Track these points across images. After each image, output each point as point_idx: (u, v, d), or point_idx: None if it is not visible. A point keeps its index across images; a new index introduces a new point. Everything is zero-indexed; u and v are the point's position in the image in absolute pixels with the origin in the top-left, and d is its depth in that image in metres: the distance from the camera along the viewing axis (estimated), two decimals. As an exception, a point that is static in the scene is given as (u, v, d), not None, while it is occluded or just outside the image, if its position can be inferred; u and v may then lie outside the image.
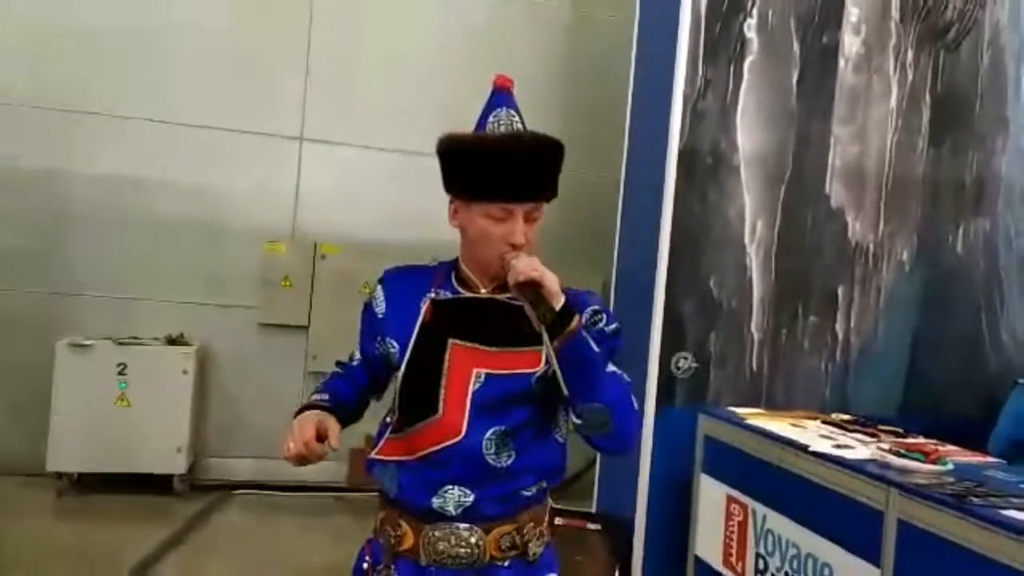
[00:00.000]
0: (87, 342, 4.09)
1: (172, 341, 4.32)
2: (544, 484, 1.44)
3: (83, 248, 4.36)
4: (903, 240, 3.10)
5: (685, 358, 2.87)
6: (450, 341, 1.40)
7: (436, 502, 1.35)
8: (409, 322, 1.43)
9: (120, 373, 4.11)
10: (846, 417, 2.47)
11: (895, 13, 3.08)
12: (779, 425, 2.29)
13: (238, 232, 4.51)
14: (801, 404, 2.95)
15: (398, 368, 1.43)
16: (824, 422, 2.40)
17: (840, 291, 3.03)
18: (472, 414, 1.36)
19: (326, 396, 1.48)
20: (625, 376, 1.36)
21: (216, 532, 3.89)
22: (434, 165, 1.45)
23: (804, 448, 2.00)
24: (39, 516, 3.86)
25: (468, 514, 1.36)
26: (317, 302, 4.59)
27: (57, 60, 4.28)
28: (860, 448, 1.98)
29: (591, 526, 2.95)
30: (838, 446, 2.01)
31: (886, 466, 1.83)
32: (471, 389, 1.37)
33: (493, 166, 1.36)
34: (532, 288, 1.26)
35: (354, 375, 1.55)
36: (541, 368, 1.38)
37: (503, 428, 1.36)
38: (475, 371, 1.38)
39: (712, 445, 2.48)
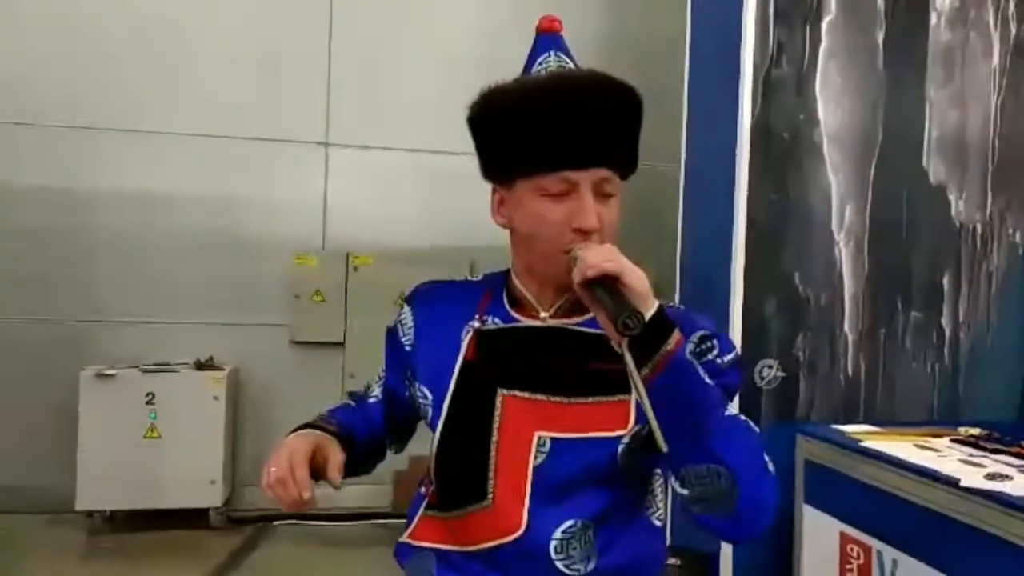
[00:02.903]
0: (112, 371, 3.85)
1: (201, 365, 4.06)
2: None
3: (104, 270, 4.12)
4: (1015, 218, 2.68)
5: (770, 366, 2.50)
6: (500, 392, 1.01)
7: None
8: (446, 362, 1.05)
9: (148, 403, 3.86)
10: (976, 431, 2.08)
11: (992, -43, 2.67)
12: (902, 447, 1.92)
13: (265, 246, 4.24)
14: (905, 413, 2.57)
15: (431, 427, 1.05)
16: (954, 440, 2.01)
17: (945, 280, 2.63)
18: (535, 500, 0.98)
19: (332, 421, 1.12)
20: (751, 424, 0.95)
21: (257, 568, 3.62)
22: (469, 165, 1.09)
23: (953, 483, 1.63)
24: (71, 558, 3.62)
25: None
26: (352, 316, 4.29)
27: (70, 77, 4.05)
28: (1021, 478, 1.60)
29: (669, 561, 2.60)
30: (991, 476, 1.63)
31: (1068, 506, 1.46)
32: (532, 463, 0.99)
33: (538, 118, 0.96)
34: (607, 287, 0.87)
35: (369, 414, 1.18)
36: (631, 428, 0.98)
37: (579, 522, 0.98)
38: (537, 435, 0.99)
39: (816, 471, 2.11)
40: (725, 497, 0.89)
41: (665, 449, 0.89)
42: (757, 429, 0.96)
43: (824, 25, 2.53)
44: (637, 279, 0.88)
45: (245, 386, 4.27)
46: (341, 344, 4.30)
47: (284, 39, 4.26)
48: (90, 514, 3.85)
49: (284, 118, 4.28)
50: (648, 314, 0.86)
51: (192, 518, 3.92)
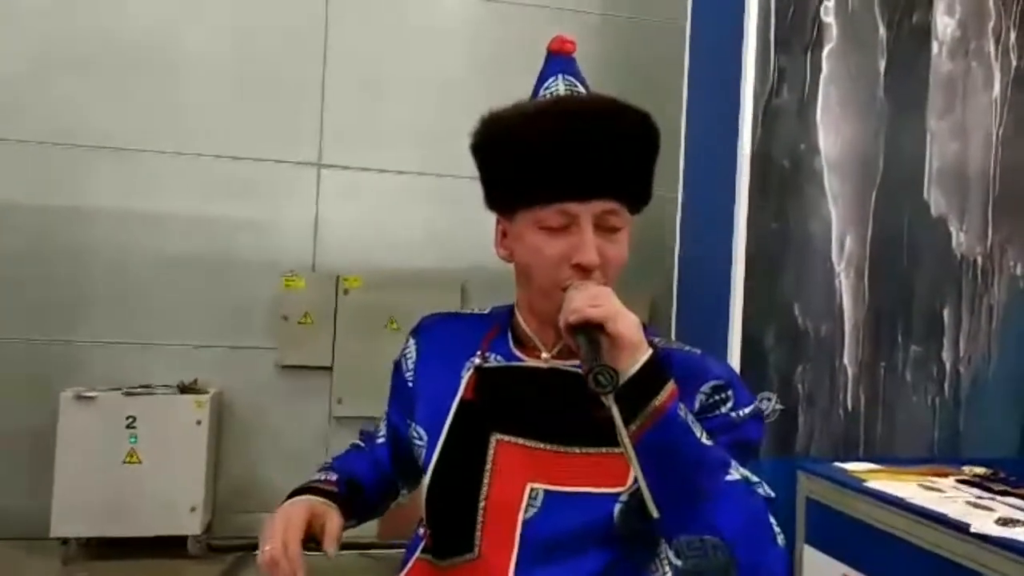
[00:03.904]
0: (92, 393, 3.75)
1: (185, 389, 3.96)
2: None
3: (87, 289, 4.04)
4: (1016, 251, 2.65)
5: (768, 399, 2.44)
6: (494, 436, 0.94)
7: None
8: (444, 401, 0.99)
9: (129, 426, 3.76)
10: (982, 471, 2.03)
11: (992, -12, 2.66)
12: (905, 487, 1.86)
13: (253, 267, 4.16)
14: (905, 448, 2.51)
15: (423, 470, 0.99)
16: (959, 480, 1.96)
17: (946, 313, 2.59)
18: (523, 557, 0.90)
19: (333, 476, 1.06)
20: (763, 487, 0.87)
21: (236, 600, 3.52)
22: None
23: (963, 528, 1.56)
24: (44, 586, 3.52)
25: None
26: (341, 340, 4.21)
27: (57, 94, 3.99)
28: (1034, 524, 1.55)
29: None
30: (1003, 522, 1.57)
31: (1087, 556, 1.40)
32: (521, 516, 0.90)
33: (533, 146, 0.90)
34: (588, 334, 0.81)
35: (378, 456, 1.12)
36: (629, 485, 0.89)
37: None
38: (529, 487, 0.91)
39: (818, 510, 2.04)
40: (721, 572, 0.82)
41: (655, 514, 0.82)
42: (772, 493, 0.88)
43: (825, 53, 2.51)
44: (626, 327, 0.81)
45: (229, 410, 4.17)
46: (329, 368, 4.22)
47: (278, 60, 4.22)
48: (65, 541, 3.72)
49: (277, 138, 4.23)
50: (634, 367, 0.80)
51: (171, 546, 3.80)
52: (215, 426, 4.00)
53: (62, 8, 4.00)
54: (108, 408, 3.75)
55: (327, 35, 4.30)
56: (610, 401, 0.79)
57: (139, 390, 3.87)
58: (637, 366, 0.81)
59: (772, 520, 0.86)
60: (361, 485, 1.08)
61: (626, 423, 0.80)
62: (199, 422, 3.85)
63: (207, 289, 4.12)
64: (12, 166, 3.96)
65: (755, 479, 0.87)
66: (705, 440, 0.83)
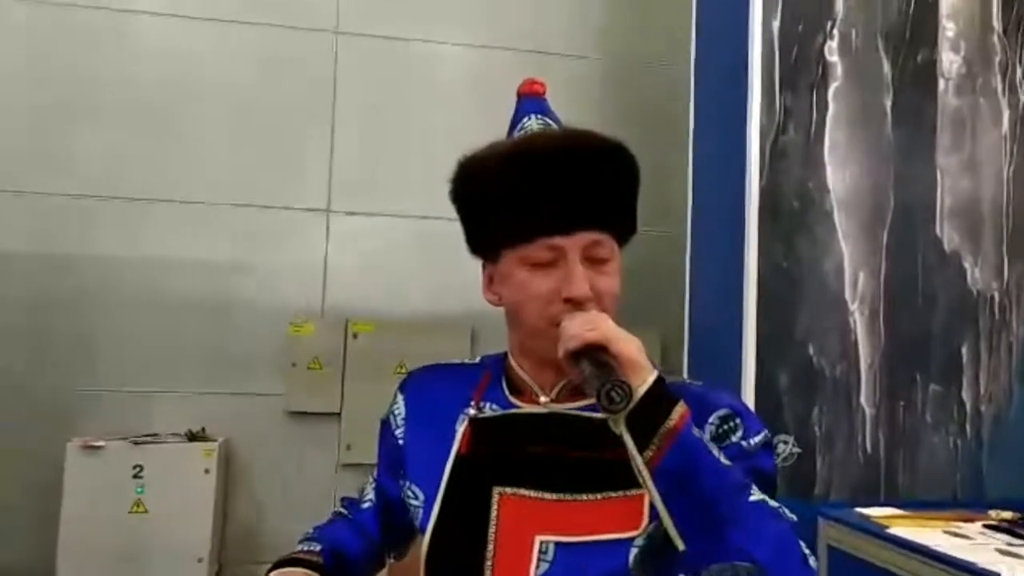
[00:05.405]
0: (100, 443, 3.71)
1: (193, 437, 3.92)
2: None
3: (93, 338, 4.02)
4: (1034, 286, 2.61)
5: (785, 442, 2.38)
6: (496, 490, 0.90)
7: None
8: (438, 457, 0.95)
9: (136, 476, 3.71)
10: (1008, 515, 1.96)
11: (997, 24, 2.66)
12: (931, 533, 1.79)
13: (261, 313, 4.14)
14: (927, 490, 2.45)
15: (420, 532, 0.95)
16: (986, 525, 1.89)
17: (964, 350, 2.53)
18: None
19: (317, 547, 1.02)
20: (784, 511, 0.83)
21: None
22: None
23: (995, 578, 1.50)
24: (48, 642, 3.44)
25: None
26: (350, 386, 4.16)
27: (61, 143, 4.03)
28: (1069, 572, 1.49)
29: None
30: (1037, 571, 1.51)
31: None
32: (533, 573, 0.86)
33: (512, 183, 0.90)
34: (593, 358, 0.78)
35: (363, 522, 1.09)
36: (645, 528, 0.86)
37: None
38: (538, 540, 0.87)
39: (841, 559, 1.97)
40: None
41: (681, 547, 0.79)
42: (793, 516, 0.85)
43: (831, 91, 2.50)
44: (627, 347, 0.79)
45: (237, 458, 4.12)
46: (338, 414, 4.17)
47: (287, 105, 4.26)
48: (71, 595, 3.67)
49: (285, 185, 4.24)
50: (642, 387, 0.77)
51: (178, 599, 3.74)
52: (223, 474, 3.95)
53: (64, 59, 4.06)
54: (115, 458, 3.71)
55: (336, 81, 4.34)
56: (621, 426, 0.76)
57: (147, 439, 3.83)
58: (645, 387, 0.77)
59: (800, 542, 0.82)
60: (346, 554, 1.04)
61: (640, 451, 0.76)
62: (207, 471, 3.79)
63: (215, 336, 4.10)
64: (13, 215, 3.98)
65: (774, 503, 0.83)
66: (723, 460, 0.80)
